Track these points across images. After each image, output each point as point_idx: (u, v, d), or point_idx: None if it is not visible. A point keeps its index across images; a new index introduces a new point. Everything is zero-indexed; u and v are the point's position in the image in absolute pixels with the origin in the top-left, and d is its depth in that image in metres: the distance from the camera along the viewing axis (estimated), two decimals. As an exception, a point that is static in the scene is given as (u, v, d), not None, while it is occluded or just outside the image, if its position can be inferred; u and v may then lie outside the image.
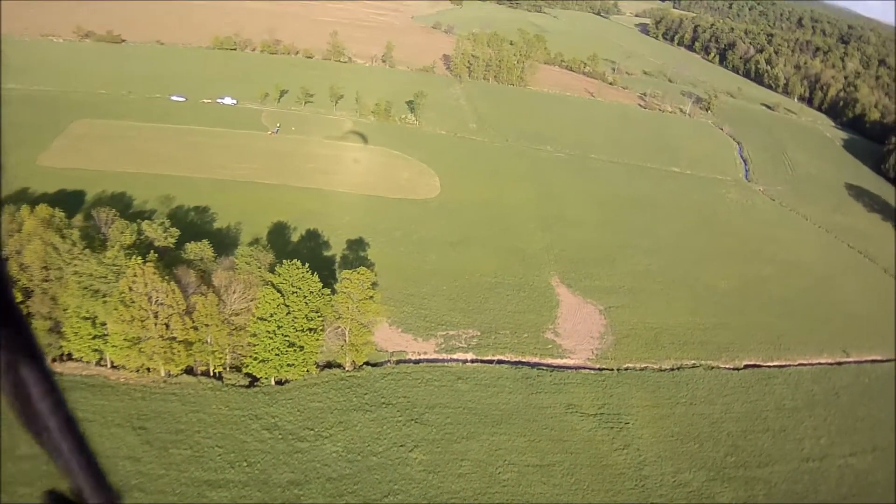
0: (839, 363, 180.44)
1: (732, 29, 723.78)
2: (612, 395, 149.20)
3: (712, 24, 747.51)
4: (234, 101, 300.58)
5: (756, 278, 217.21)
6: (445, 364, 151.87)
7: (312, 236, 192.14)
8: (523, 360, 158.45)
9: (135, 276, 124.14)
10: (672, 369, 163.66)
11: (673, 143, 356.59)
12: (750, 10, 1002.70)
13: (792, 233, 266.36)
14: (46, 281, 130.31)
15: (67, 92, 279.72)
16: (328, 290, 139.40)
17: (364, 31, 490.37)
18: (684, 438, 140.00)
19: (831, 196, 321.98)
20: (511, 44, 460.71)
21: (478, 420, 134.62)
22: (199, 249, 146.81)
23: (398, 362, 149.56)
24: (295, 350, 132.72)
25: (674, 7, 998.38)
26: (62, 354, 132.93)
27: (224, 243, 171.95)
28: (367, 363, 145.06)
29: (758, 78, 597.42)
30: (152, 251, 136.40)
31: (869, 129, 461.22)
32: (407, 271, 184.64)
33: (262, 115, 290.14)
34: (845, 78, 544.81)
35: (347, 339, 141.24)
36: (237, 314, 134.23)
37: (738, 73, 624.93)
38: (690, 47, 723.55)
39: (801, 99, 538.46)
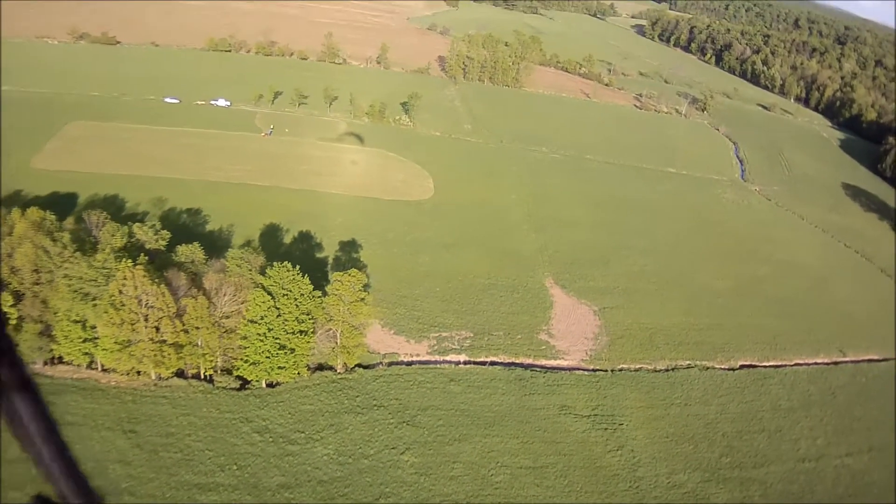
0: (836, 363, 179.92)
1: (729, 30, 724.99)
2: (606, 397, 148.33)
3: (708, 25, 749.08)
4: (228, 103, 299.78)
5: (752, 278, 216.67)
6: (438, 366, 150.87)
7: (305, 238, 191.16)
8: (517, 361, 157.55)
9: (124, 278, 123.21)
10: (667, 370, 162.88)
11: (669, 144, 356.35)
12: (746, 11, 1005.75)
13: (788, 233, 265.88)
14: (37, 284, 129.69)
15: (61, 94, 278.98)
16: (319, 293, 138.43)
17: (359, 33, 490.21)
18: (679, 439, 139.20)
19: (828, 196, 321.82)
20: (506, 45, 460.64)
21: (470, 422, 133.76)
22: (190, 252, 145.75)
23: (390, 364, 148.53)
24: (286, 352, 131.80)
25: (670, 8, 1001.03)
26: (53, 358, 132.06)
27: (216, 245, 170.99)
28: (358, 365, 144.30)
29: (754, 79, 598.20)
30: (142, 254, 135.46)
31: (865, 129, 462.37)
32: (400, 273, 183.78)
33: (256, 116, 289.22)
34: (842, 78, 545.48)
35: (339, 341, 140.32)
36: (228, 317, 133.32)
37: (734, 73, 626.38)
38: (687, 48, 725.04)
39: (798, 99, 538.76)
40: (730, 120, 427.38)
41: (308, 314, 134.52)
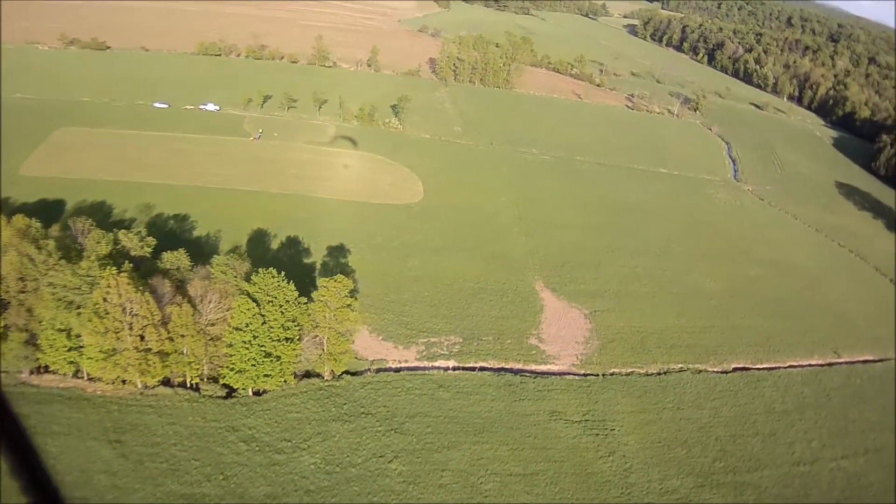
0: (830, 364, 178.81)
1: (721, 29, 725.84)
2: (597, 402, 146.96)
3: (701, 25, 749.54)
4: (217, 108, 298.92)
5: (745, 279, 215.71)
6: (427, 372, 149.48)
7: (293, 243, 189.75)
8: (506, 366, 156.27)
9: (108, 286, 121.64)
10: (659, 374, 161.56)
11: (661, 145, 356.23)
12: (739, 9, 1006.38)
13: (781, 232, 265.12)
14: (23, 292, 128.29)
15: (51, 100, 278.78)
16: (305, 299, 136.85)
17: (350, 36, 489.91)
18: (671, 444, 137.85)
19: (821, 195, 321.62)
20: (497, 46, 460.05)
21: (459, 429, 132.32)
22: (175, 259, 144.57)
23: (378, 371, 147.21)
24: (271, 360, 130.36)
25: (662, 8, 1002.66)
26: (39, 367, 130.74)
27: (203, 252, 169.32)
28: (346, 372, 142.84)
29: (747, 77, 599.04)
30: (127, 261, 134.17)
31: (859, 126, 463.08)
32: (388, 278, 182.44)
33: (245, 120, 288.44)
34: (835, 76, 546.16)
35: (326, 348, 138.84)
36: (213, 324, 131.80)
37: (726, 72, 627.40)
38: (679, 48, 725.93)
39: (791, 98, 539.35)
40: (722, 119, 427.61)
41: (294, 321, 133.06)
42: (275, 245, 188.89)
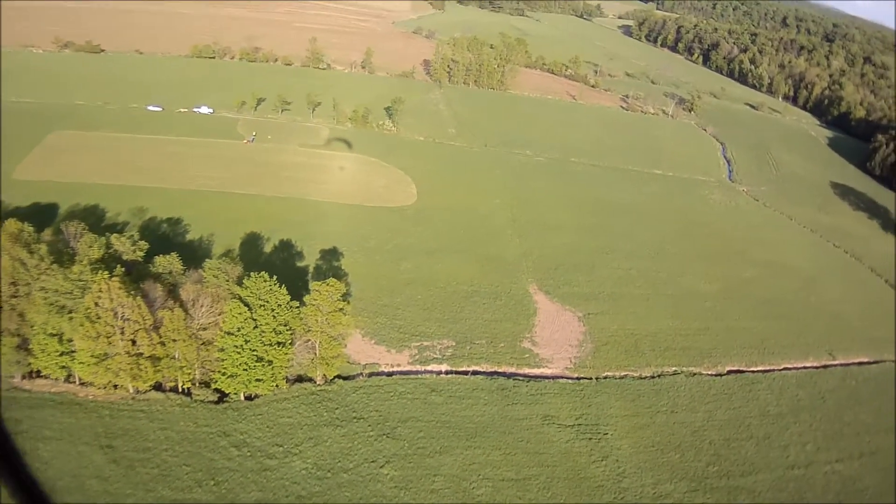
0: (825, 366, 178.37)
1: (716, 29, 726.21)
2: (590, 405, 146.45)
3: (696, 25, 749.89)
4: (211, 110, 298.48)
5: (740, 281, 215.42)
6: (419, 376, 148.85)
7: (286, 246, 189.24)
8: (499, 370, 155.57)
9: (100, 291, 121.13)
10: (652, 377, 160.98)
11: (655, 145, 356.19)
12: (734, 10, 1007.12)
13: (776, 233, 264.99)
14: (15, 297, 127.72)
15: (45, 103, 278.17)
16: (297, 303, 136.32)
17: (344, 38, 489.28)
18: (665, 448, 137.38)
19: (817, 195, 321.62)
20: (492, 48, 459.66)
21: (451, 433, 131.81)
22: (167, 263, 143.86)
23: (370, 375, 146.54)
24: (263, 365, 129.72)
25: (657, 8, 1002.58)
26: (31, 372, 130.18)
27: (196, 255, 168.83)
28: (338, 376, 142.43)
29: (742, 78, 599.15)
30: (119, 265, 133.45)
31: (854, 126, 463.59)
32: (381, 281, 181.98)
33: (239, 123, 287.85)
34: (830, 76, 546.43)
35: (318, 352, 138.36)
36: (205, 328, 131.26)
37: (721, 73, 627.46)
38: (674, 48, 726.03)
39: (786, 98, 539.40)
40: (717, 120, 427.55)
41: (286, 325, 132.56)
42: (268, 248, 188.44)
